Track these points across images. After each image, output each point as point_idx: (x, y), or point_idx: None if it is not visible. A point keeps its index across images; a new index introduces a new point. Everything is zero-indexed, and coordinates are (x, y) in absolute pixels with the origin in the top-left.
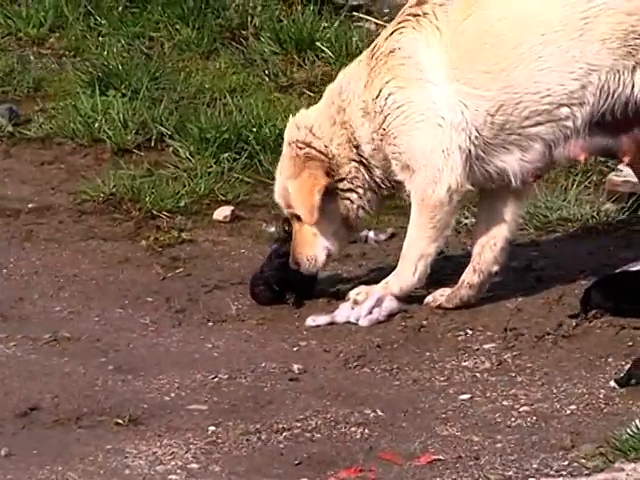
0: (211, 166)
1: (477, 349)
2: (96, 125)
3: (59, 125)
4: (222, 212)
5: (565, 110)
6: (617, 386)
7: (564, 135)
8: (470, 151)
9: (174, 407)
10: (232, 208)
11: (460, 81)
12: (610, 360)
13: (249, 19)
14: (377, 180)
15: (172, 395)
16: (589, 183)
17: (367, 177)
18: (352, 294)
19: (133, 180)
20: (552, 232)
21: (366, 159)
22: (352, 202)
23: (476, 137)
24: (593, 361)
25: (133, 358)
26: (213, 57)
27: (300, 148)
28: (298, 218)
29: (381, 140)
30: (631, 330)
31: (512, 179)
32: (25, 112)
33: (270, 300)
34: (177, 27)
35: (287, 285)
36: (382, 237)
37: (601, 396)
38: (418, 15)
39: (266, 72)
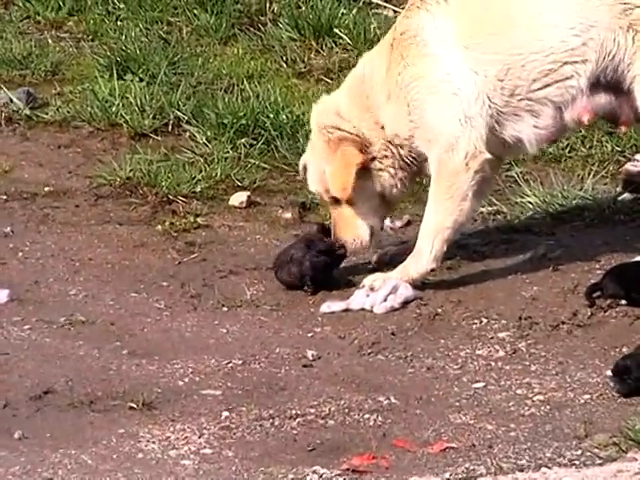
0: (228, 151)
1: (491, 337)
2: (113, 109)
3: (76, 109)
4: (238, 197)
5: (569, 68)
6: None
7: (571, 96)
8: (485, 121)
9: (188, 392)
10: (248, 194)
11: (469, 47)
12: (624, 350)
13: (267, 5)
14: (405, 159)
15: (186, 380)
16: (606, 173)
17: (397, 155)
18: (368, 281)
19: (150, 165)
20: (568, 221)
21: (391, 140)
22: (385, 179)
23: (489, 106)
24: (607, 350)
25: (147, 342)
26: (231, 43)
27: (331, 132)
28: (337, 202)
29: (404, 121)
30: None
31: (527, 146)
32: (43, 95)
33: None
34: (195, 12)
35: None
36: (398, 224)
37: None
38: None
39: (284, 58)
